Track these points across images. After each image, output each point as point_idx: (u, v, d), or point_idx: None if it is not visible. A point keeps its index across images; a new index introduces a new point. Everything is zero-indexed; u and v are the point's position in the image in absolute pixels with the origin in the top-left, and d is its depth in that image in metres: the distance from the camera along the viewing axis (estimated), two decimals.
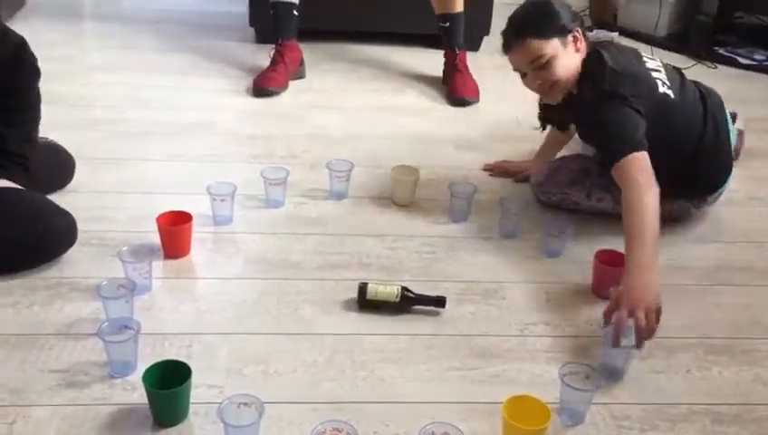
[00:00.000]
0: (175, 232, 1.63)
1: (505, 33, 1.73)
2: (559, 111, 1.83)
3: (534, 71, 1.70)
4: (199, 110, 2.40)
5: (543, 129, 1.96)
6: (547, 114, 1.91)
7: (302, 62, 2.67)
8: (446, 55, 2.68)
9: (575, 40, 1.70)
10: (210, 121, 2.31)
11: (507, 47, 1.72)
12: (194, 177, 1.95)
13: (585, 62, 1.71)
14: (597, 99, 1.66)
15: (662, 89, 1.71)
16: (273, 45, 2.61)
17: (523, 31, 1.68)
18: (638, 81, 1.68)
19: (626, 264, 1.44)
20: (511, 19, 1.73)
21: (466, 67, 2.63)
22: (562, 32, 1.68)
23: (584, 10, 3.44)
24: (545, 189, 1.91)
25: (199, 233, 1.70)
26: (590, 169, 1.86)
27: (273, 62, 2.59)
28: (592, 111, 1.67)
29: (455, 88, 2.58)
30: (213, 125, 2.30)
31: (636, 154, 1.57)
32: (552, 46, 1.67)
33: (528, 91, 1.75)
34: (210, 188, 1.75)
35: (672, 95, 1.72)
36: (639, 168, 1.56)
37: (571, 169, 1.88)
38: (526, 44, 1.68)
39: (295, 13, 2.58)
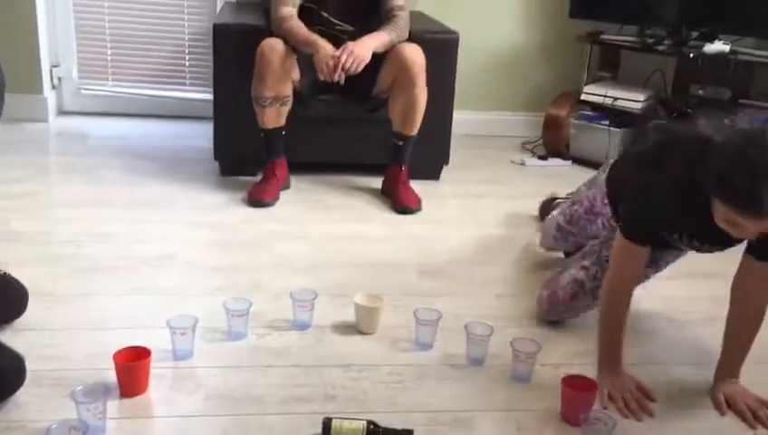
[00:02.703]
0: (131, 368, 1.58)
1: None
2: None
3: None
4: (163, 242, 2.39)
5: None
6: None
7: (288, 176, 2.88)
8: (390, 169, 2.86)
9: None
10: (173, 254, 2.30)
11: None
12: (155, 311, 1.91)
13: None
14: None
15: None
16: (264, 164, 2.81)
17: None
18: None
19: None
20: None
21: (408, 180, 2.85)
22: None
23: (538, 140, 3.60)
24: (553, 314, 1.96)
25: (158, 368, 1.64)
26: (582, 280, 1.91)
27: (266, 177, 2.79)
28: None
29: (400, 199, 2.78)
30: (176, 257, 2.28)
31: None
32: None
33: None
34: (170, 321, 1.72)
35: None
36: None
37: (564, 288, 1.92)
38: None
39: (283, 133, 2.79)
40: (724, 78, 3.27)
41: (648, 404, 1.64)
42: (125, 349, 1.60)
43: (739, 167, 1.38)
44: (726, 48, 3.17)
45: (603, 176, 2.09)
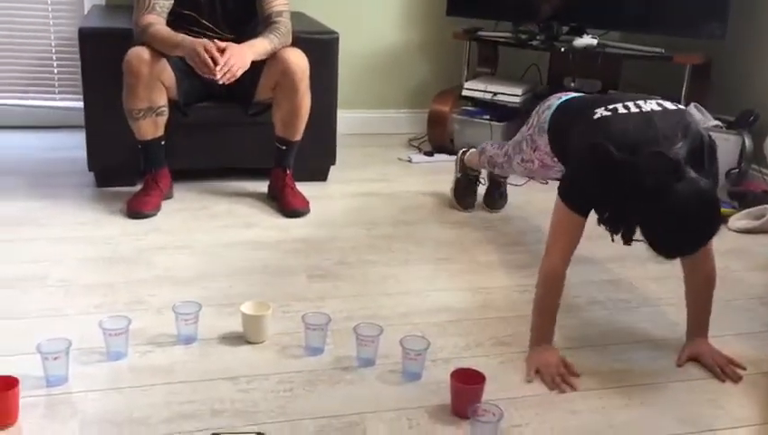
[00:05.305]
0: None
1: (688, 243, 1.62)
2: None
3: None
4: (33, 262, 2.24)
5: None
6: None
7: (171, 185, 2.78)
8: (275, 173, 2.82)
9: None
10: (44, 274, 2.16)
11: (680, 254, 1.68)
12: (24, 336, 1.79)
13: None
14: None
15: None
16: (144, 175, 2.70)
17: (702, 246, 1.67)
18: None
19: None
20: (702, 231, 1.60)
21: (294, 183, 2.81)
22: None
23: (423, 136, 3.64)
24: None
25: (29, 397, 1.54)
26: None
27: (147, 187, 2.68)
28: None
29: (287, 202, 2.74)
30: (48, 277, 2.14)
31: None
32: None
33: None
34: (40, 346, 1.61)
35: None
36: None
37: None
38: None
39: (162, 143, 2.69)
40: (594, 70, 3.42)
41: (572, 379, 1.73)
42: None
43: (669, 229, 1.56)
44: (594, 42, 3.31)
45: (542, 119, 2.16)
